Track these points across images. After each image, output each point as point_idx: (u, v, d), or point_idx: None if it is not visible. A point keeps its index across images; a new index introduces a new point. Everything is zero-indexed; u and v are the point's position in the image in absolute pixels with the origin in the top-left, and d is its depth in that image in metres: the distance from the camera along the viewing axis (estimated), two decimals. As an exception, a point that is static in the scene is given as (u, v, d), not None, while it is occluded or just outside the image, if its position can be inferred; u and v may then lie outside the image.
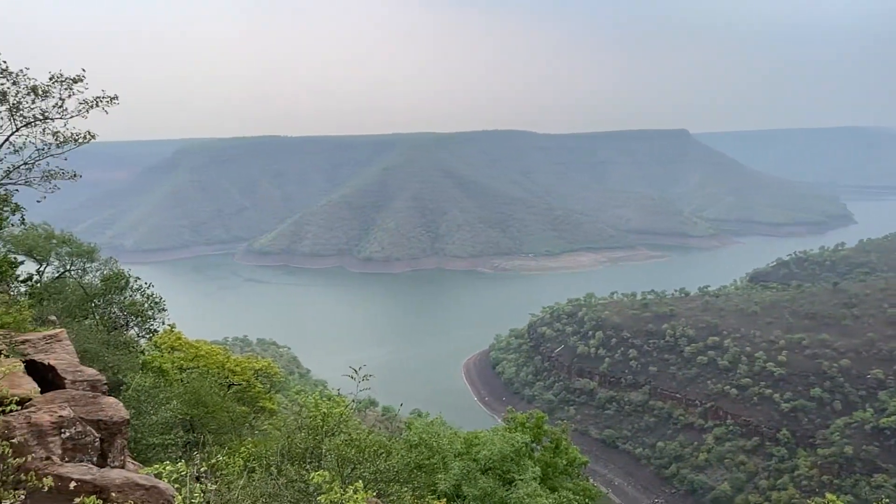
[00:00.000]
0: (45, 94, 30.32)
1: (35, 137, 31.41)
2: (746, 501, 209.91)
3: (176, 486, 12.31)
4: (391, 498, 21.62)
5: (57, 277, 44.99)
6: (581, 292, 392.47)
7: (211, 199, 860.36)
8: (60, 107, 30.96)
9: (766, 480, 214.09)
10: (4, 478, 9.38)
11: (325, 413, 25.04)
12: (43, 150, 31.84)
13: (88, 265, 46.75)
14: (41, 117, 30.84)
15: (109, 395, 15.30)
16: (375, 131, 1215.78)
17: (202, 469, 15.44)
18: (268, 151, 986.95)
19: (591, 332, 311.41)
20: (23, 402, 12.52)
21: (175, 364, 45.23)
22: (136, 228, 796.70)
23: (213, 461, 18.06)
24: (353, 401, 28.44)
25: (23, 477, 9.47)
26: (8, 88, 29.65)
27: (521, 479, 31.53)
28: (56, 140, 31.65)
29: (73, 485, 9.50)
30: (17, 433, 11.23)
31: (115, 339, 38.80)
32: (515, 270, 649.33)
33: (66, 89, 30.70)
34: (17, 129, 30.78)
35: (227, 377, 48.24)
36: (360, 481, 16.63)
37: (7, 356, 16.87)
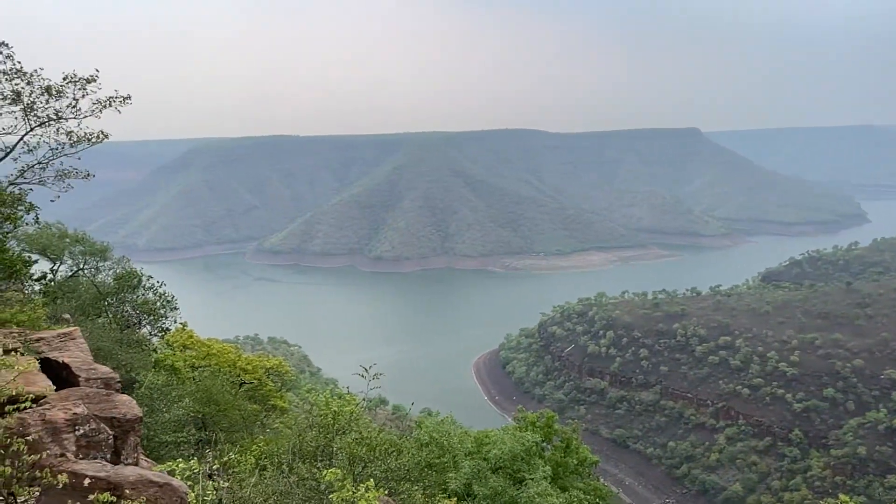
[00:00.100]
0: (59, 94, 30.55)
1: (49, 137, 31.65)
2: (758, 502, 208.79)
3: (189, 483, 12.38)
4: (402, 496, 21.65)
5: (70, 276, 45.34)
6: (592, 291, 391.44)
7: (221, 198, 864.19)
8: (74, 107, 31.18)
9: (779, 481, 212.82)
10: (20, 474, 9.46)
11: (335, 411, 25.11)
12: (57, 149, 32.08)
13: (101, 264, 47.10)
14: (55, 117, 31.07)
15: (123, 393, 15.40)
16: (385, 130, 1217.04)
17: (214, 467, 15.53)
18: (278, 151, 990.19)
19: (601, 332, 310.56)
20: (38, 400, 12.62)
21: (187, 362, 45.48)
22: (149, 227, 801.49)
23: (225, 459, 18.15)
24: (364, 399, 28.49)
25: (38, 474, 9.55)
26: (22, 88, 29.89)
27: (532, 479, 31.49)
28: (70, 140, 31.87)
29: (87, 481, 9.56)
30: (32, 430, 11.33)
31: (128, 338, 39.05)
32: (526, 270, 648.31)
33: (79, 89, 30.91)
34: (32, 129, 31.02)
35: (239, 375, 48.45)
36: (372, 479, 16.66)
37: (22, 354, 17.02)
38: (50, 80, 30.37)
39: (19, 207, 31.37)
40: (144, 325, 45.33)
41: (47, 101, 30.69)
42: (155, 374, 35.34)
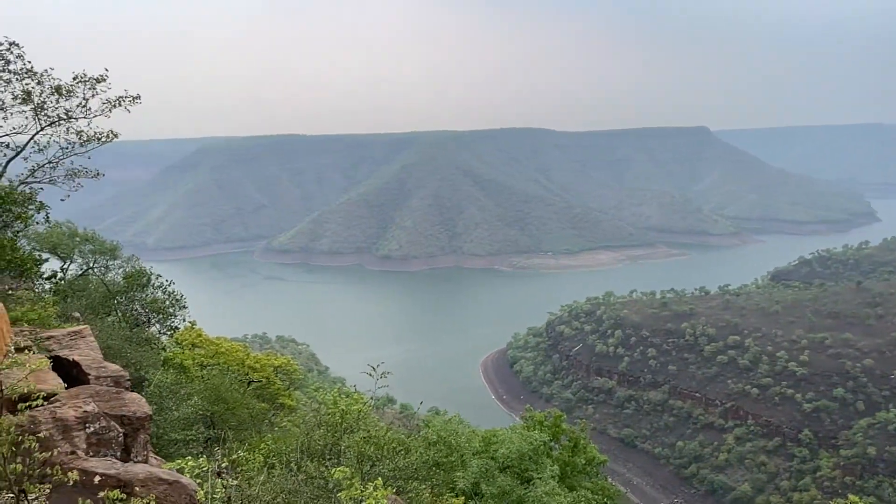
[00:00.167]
0: (69, 94, 30.73)
1: (59, 136, 31.83)
2: (767, 502, 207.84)
3: (198, 481, 12.44)
4: (410, 495, 21.68)
5: (80, 275, 45.56)
6: (600, 291, 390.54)
7: (230, 197, 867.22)
8: (84, 106, 31.35)
9: (788, 481, 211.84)
10: (31, 472, 9.52)
11: (343, 410, 25.17)
12: (67, 148, 32.25)
13: (111, 263, 47.31)
14: (65, 117, 31.25)
15: (132, 391, 15.49)
16: (393, 130, 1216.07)
17: (223, 465, 15.58)
18: (287, 150, 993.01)
19: (609, 331, 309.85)
20: (49, 398, 12.71)
21: (196, 361, 45.65)
22: (158, 226, 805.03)
23: (234, 457, 18.22)
24: (372, 398, 28.54)
25: (48, 471, 9.61)
26: (33, 88, 30.07)
27: (540, 478, 31.46)
28: (79, 139, 32.04)
29: (97, 479, 9.62)
30: (43, 428, 11.41)
31: (138, 336, 39.25)
32: (534, 269, 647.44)
33: (89, 89, 31.07)
34: (42, 129, 31.21)
35: (247, 374, 48.63)
36: (380, 478, 16.69)
37: (33, 352, 17.15)
38: (60, 80, 30.53)
39: (30, 206, 31.57)
40: (153, 324, 45.53)
41: (57, 101, 30.87)
42: (164, 372, 35.51)
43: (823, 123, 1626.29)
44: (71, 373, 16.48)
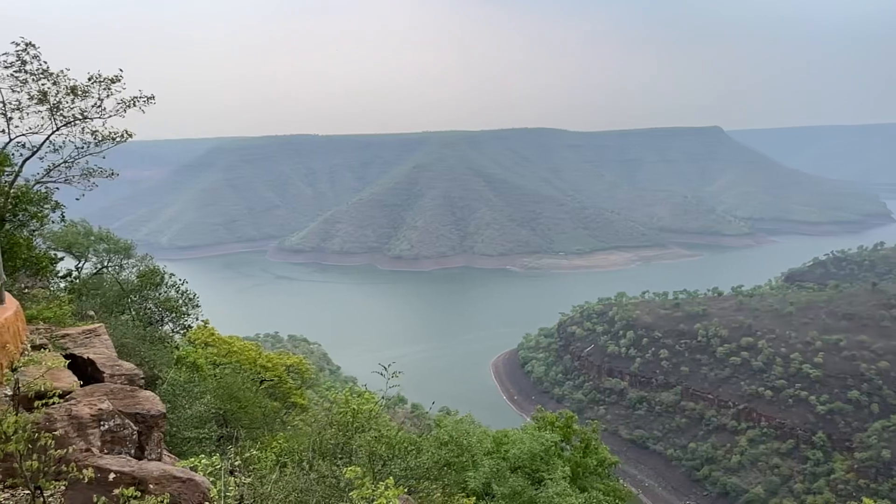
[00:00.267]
0: (85, 94, 30.96)
1: (74, 136, 32.08)
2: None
3: (211, 479, 12.51)
4: (421, 495, 21.69)
5: (95, 273, 45.91)
6: (612, 291, 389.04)
7: (243, 196, 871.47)
8: (99, 106, 31.58)
9: (801, 484, 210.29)
10: (46, 469, 9.61)
11: (354, 409, 25.23)
12: (82, 148, 32.50)
13: (125, 262, 47.66)
14: (80, 117, 31.48)
15: (146, 389, 15.59)
16: (405, 130, 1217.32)
17: (236, 463, 15.67)
18: (299, 150, 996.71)
19: (621, 332, 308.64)
20: (64, 395, 12.83)
21: (209, 359, 45.93)
22: (171, 226, 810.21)
23: (247, 455, 18.31)
24: (383, 398, 28.58)
25: (64, 468, 9.69)
26: (49, 88, 30.32)
27: (551, 479, 31.38)
28: (94, 139, 32.28)
29: (112, 476, 9.70)
30: (59, 425, 11.51)
31: (151, 335, 39.50)
32: (545, 269, 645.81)
33: (104, 89, 31.29)
34: (58, 129, 31.46)
35: (259, 373, 48.87)
36: (391, 477, 16.71)
37: (49, 350, 17.31)
38: (76, 81, 30.76)
39: (46, 205, 31.84)
40: (167, 323, 45.80)
41: (73, 101, 31.09)
42: (177, 370, 35.71)
43: (838, 123, 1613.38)
44: (86, 371, 16.61)
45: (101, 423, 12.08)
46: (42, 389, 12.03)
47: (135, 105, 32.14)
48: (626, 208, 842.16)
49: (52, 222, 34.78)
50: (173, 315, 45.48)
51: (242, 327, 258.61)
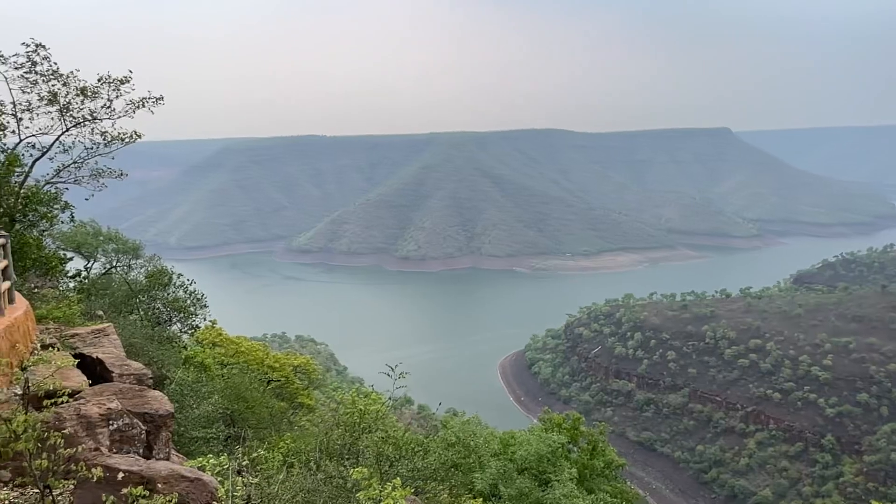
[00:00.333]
0: (94, 95, 31.14)
1: (84, 137, 32.26)
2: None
3: (219, 479, 12.54)
4: (428, 496, 21.69)
5: (104, 273, 46.13)
6: (619, 293, 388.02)
7: (251, 197, 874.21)
8: (108, 107, 31.76)
9: (810, 487, 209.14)
10: (56, 467, 9.66)
11: (361, 410, 25.25)
12: (91, 149, 32.68)
13: (133, 262, 47.88)
14: (90, 117, 31.66)
15: (154, 389, 15.66)
16: (412, 131, 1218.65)
17: (243, 463, 15.72)
18: (307, 151, 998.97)
19: (629, 334, 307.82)
20: (73, 395, 12.89)
21: (216, 359, 46.06)
22: (179, 226, 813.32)
23: (254, 455, 18.36)
24: (390, 398, 28.59)
25: (73, 467, 9.74)
26: (59, 89, 30.51)
27: (558, 480, 31.32)
28: (104, 139, 32.46)
29: (120, 475, 9.74)
30: (68, 424, 11.57)
31: (159, 335, 39.64)
32: (553, 270, 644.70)
33: (113, 90, 31.46)
34: (67, 129, 31.64)
35: (267, 373, 48.99)
36: (398, 478, 16.71)
37: (59, 350, 17.40)
38: (85, 82, 30.94)
39: (55, 206, 32.00)
40: (175, 323, 45.99)
41: (83, 102, 31.27)
42: (185, 370, 35.83)
43: (848, 124, 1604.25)
44: (95, 370, 16.70)
45: (110, 422, 12.14)
46: (51, 389, 12.10)
47: (143, 106, 32.32)
48: (634, 209, 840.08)
49: (62, 223, 34.96)
50: (181, 315, 45.66)
51: (250, 327, 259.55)
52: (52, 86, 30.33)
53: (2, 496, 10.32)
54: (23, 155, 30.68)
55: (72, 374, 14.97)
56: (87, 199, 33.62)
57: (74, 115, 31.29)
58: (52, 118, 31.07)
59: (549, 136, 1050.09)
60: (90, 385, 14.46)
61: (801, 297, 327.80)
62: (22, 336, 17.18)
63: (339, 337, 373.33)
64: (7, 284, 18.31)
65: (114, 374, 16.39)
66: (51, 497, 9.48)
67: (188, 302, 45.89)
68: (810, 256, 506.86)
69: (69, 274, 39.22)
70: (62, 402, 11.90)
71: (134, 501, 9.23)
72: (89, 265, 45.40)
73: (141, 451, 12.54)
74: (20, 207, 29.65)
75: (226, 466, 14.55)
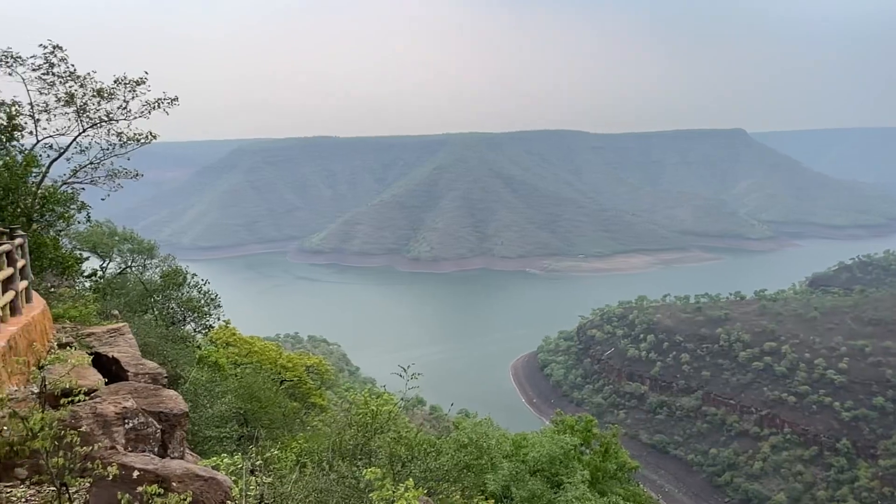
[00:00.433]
0: (111, 97, 31.44)
1: (100, 138, 32.57)
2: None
3: (233, 478, 12.59)
4: (441, 496, 21.68)
5: (119, 273, 46.55)
6: (632, 294, 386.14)
7: (264, 198, 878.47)
8: (124, 108, 32.05)
9: (825, 491, 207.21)
10: (72, 466, 9.73)
11: (374, 410, 25.28)
12: (107, 150, 32.99)
13: (148, 262, 48.31)
14: (106, 118, 31.96)
15: (169, 388, 15.76)
16: (425, 132, 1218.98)
17: (257, 462, 15.77)
18: (320, 152, 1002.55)
19: (642, 336, 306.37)
20: (89, 393, 12.99)
21: (230, 359, 46.28)
22: (193, 226, 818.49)
23: (267, 455, 18.43)
24: (402, 399, 28.61)
25: (89, 465, 9.81)
26: (76, 91, 30.81)
27: (570, 482, 31.21)
28: (120, 140, 32.76)
29: (136, 474, 9.80)
30: (84, 423, 11.66)
31: (174, 334, 39.91)
32: (565, 271, 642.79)
33: (129, 91, 31.75)
34: (84, 130, 31.97)
35: (280, 373, 49.17)
36: (411, 479, 16.71)
37: (75, 349, 17.56)
38: (102, 83, 31.22)
39: (72, 206, 32.33)
40: (189, 322, 46.29)
41: (99, 103, 31.58)
42: (199, 370, 36.04)
43: (864, 125, 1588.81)
44: (110, 369, 16.83)
45: (126, 421, 12.22)
46: (68, 387, 12.21)
47: (159, 107, 32.60)
48: (648, 211, 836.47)
49: (78, 223, 35.31)
50: (195, 315, 45.96)
51: (263, 327, 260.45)
52: (70, 87, 30.64)
53: (18, 494, 10.42)
54: (40, 156, 31.03)
55: (88, 373, 15.10)
56: (102, 200, 33.95)
57: (91, 116, 31.61)
58: (69, 119, 31.40)
59: (563, 137, 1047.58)
60: (106, 384, 14.57)
61: (817, 299, 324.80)
62: (39, 335, 17.35)
63: (352, 337, 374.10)
64: (24, 283, 18.51)
65: (129, 373, 16.52)
66: (67, 495, 9.56)
67: (202, 302, 46.19)
68: (826, 258, 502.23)
69: (85, 273, 39.57)
70: (78, 401, 12.00)
71: (149, 500, 9.28)
72: (105, 265, 45.81)
73: (156, 449, 12.62)
74: (38, 208, 29.97)
75: (240, 466, 14.61)
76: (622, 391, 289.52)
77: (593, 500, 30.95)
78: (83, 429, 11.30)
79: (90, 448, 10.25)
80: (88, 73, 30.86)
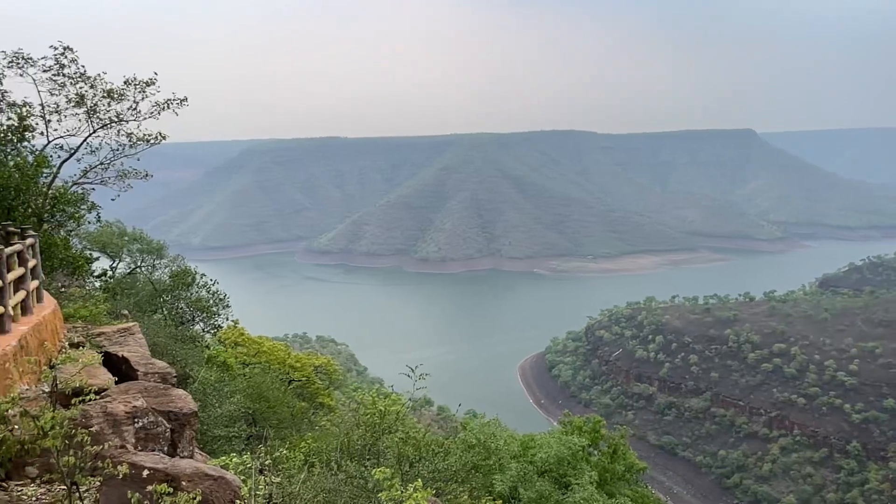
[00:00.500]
0: (121, 98, 31.61)
1: (110, 138, 32.76)
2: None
3: (242, 477, 12.64)
4: (449, 497, 21.67)
5: (129, 273, 46.78)
6: (641, 295, 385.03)
7: (272, 198, 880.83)
8: (134, 109, 32.22)
9: (835, 494, 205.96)
10: (82, 464, 9.78)
11: (382, 411, 25.30)
12: (117, 150, 33.17)
13: (157, 262, 48.56)
14: (116, 119, 32.14)
15: (178, 388, 15.82)
16: (433, 132, 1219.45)
17: (266, 462, 15.83)
18: (328, 152, 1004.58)
19: (650, 336, 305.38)
20: (100, 392, 13.08)
21: (238, 359, 46.43)
22: (202, 227, 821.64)
23: (276, 455, 18.49)
24: (410, 399, 28.62)
25: (99, 464, 9.86)
26: (86, 92, 30.99)
27: (578, 483, 31.14)
28: (129, 141, 32.94)
29: (145, 473, 9.85)
30: (95, 422, 11.73)
31: (183, 334, 40.06)
32: (573, 272, 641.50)
33: (139, 92, 31.91)
34: (94, 131, 32.16)
35: (288, 373, 49.28)
36: (419, 479, 16.73)
37: (86, 348, 17.68)
38: (112, 84, 31.38)
39: (82, 206, 32.51)
40: (198, 322, 46.48)
41: (109, 104, 31.75)
42: (208, 369, 36.18)
43: (876, 126, 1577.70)
44: (120, 369, 16.92)
45: (136, 420, 12.29)
46: (79, 386, 12.29)
47: (168, 108, 32.75)
48: (656, 211, 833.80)
49: (89, 223, 35.52)
50: (204, 315, 46.16)
51: (272, 327, 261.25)
52: (80, 88, 30.82)
53: (29, 492, 10.49)
54: (51, 156, 31.22)
55: (98, 373, 15.19)
56: (112, 200, 34.13)
57: (101, 116, 31.79)
58: (80, 120, 31.60)
59: (572, 138, 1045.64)
60: (116, 383, 14.66)
61: (827, 300, 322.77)
62: (50, 334, 17.47)
63: (360, 337, 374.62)
64: (35, 283, 18.64)
65: (139, 373, 16.61)
66: (77, 494, 9.61)
67: (211, 302, 46.38)
68: (836, 259, 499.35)
69: (95, 273, 39.81)
70: (89, 400, 12.07)
71: (159, 499, 9.33)
72: (115, 265, 46.06)
73: (165, 448, 12.68)
74: (48, 208, 30.16)
75: (249, 465, 14.67)
76: (630, 392, 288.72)
77: (601, 502, 30.87)
78: (94, 428, 11.37)
79: (100, 447, 10.31)
80: (99, 75, 31.05)
